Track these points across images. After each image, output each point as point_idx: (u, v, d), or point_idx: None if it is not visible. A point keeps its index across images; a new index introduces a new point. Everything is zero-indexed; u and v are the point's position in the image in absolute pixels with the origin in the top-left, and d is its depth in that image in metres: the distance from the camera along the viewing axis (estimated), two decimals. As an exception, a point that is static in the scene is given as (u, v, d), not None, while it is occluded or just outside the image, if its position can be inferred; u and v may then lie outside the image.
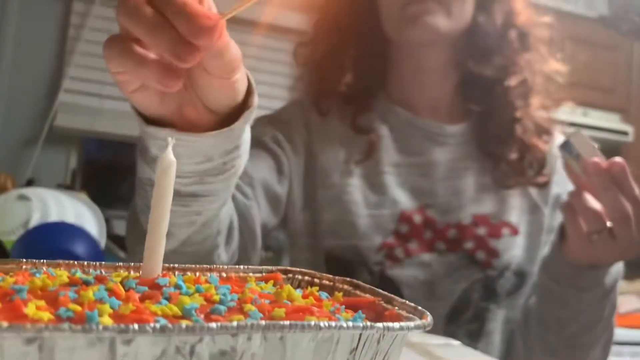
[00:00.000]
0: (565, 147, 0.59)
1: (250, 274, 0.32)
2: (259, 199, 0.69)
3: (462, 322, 0.73)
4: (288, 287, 0.26)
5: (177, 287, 0.24)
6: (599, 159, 0.57)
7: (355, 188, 0.76)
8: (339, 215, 0.74)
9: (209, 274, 0.27)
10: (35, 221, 1.23)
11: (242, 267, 0.32)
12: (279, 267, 0.33)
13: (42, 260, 0.29)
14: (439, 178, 0.77)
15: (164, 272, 0.25)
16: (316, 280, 0.32)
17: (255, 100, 0.43)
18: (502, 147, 0.77)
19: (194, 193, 0.46)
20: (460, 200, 0.76)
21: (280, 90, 1.27)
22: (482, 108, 0.79)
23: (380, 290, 0.28)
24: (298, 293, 0.26)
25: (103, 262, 0.30)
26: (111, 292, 0.22)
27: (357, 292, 0.30)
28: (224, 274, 0.31)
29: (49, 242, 1.13)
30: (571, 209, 0.60)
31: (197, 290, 0.24)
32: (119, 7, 0.34)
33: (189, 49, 0.33)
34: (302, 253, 0.78)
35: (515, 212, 0.77)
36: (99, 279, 0.24)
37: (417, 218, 0.75)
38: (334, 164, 0.77)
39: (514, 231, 0.76)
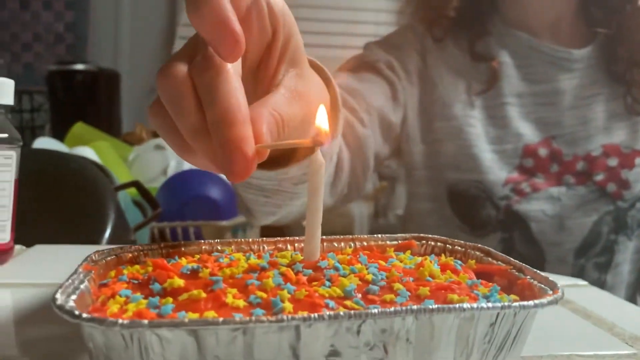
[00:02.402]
0: None
1: (388, 242, 0.36)
2: (374, 127, 0.69)
3: (591, 255, 0.73)
4: (428, 264, 0.30)
5: (335, 268, 0.29)
6: None
7: (477, 120, 0.75)
8: (461, 149, 0.74)
9: (359, 254, 0.31)
10: (172, 169, 1.38)
11: (379, 236, 0.36)
12: (413, 235, 0.36)
13: (216, 240, 0.35)
14: (566, 107, 0.74)
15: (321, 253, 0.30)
16: (448, 245, 0.35)
17: (340, 125, 0.42)
18: (635, 71, 0.72)
19: (275, 190, 0.44)
20: (588, 130, 0.74)
21: (386, 15, 1.23)
22: (609, 30, 0.73)
23: (511, 259, 0.31)
24: (437, 269, 0.29)
25: (264, 239, 0.35)
26: (285, 277, 0.28)
27: (489, 258, 0.32)
28: (364, 243, 0.36)
29: (188, 188, 1.27)
30: None
31: (352, 271, 0.29)
32: (157, 79, 0.28)
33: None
34: (420, 187, 0.80)
35: None
36: (272, 264, 0.29)
37: (543, 151, 0.73)
38: (454, 94, 0.75)
39: None
